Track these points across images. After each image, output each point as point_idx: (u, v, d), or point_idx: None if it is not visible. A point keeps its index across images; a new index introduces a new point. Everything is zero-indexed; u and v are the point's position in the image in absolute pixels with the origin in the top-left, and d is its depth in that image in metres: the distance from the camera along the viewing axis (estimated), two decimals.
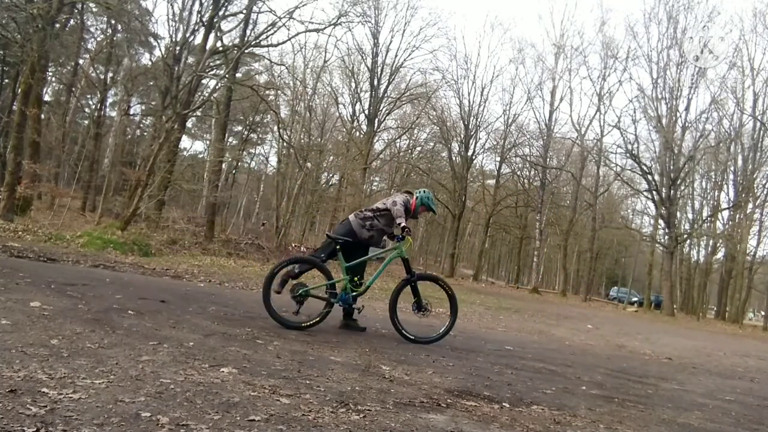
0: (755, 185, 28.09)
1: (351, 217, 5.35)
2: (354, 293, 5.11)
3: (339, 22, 19.83)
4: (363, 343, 4.64)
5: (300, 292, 4.96)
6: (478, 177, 37.31)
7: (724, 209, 30.41)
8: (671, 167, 26.85)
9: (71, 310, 4.12)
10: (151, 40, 22.72)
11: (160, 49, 20.11)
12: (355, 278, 5.11)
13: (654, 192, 27.95)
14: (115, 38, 22.73)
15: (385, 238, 5.45)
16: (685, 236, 29.68)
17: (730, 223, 29.64)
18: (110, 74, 24.52)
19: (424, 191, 5.42)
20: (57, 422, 1.91)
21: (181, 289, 6.94)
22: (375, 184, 33.59)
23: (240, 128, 32.18)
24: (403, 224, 5.02)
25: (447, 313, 5.29)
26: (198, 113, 23.09)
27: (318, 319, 4.90)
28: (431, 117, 30.67)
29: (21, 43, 14.94)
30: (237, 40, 20.18)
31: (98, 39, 24.59)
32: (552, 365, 5.06)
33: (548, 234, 36.60)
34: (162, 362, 2.98)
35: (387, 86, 28.52)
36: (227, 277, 10.24)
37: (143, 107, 29.88)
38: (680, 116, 27.93)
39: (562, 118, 41.84)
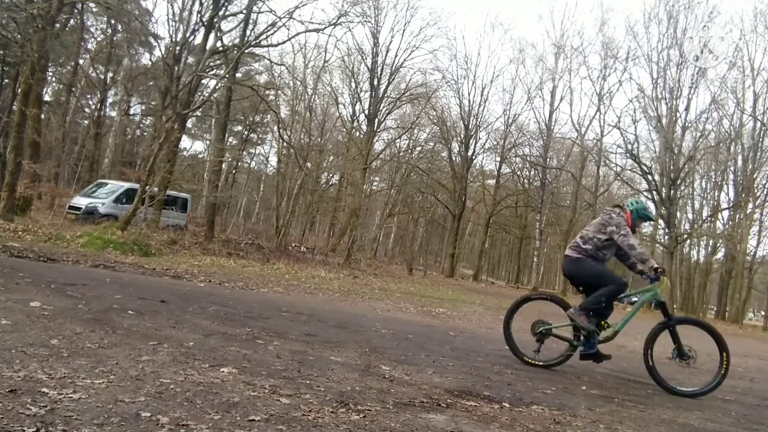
0: (755, 185, 28.08)
1: (576, 254, 4.72)
2: (600, 338, 4.68)
3: (339, 22, 19.82)
4: (363, 343, 4.64)
5: (541, 330, 4.75)
6: (478, 177, 37.31)
7: (724, 209, 30.41)
8: (671, 167, 26.84)
9: (71, 310, 4.12)
10: (151, 40, 22.76)
11: (160, 49, 20.14)
12: (602, 322, 4.67)
13: (654, 192, 27.93)
14: (115, 38, 22.76)
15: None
16: (685, 236, 29.66)
17: (730, 223, 29.62)
18: (110, 74, 24.55)
19: (636, 201, 4.88)
20: (57, 422, 1.91)
21: (181, 289, 6.94)
22: (375, 184, 33.58)
23: (240, 128, 32.20)
24: (655, 265, 4.48)
25: (716, 364, 4.53)
26: (198, 113, 23.09)
27: (560, 359, 4.75)
28: (431, 117, 30.67)
29: (21, 43, 14.94)
30: (237, 40, 20.17)
31: (98, 39, 24.62)
32: None
33: (548, 234, 36.59)
34: (162, 362, 2.98)
35: (387, 86, 28.50)
36: (227, 277, 10.24)
37: (143, 107, 29.91)
38: (680, 116, 27.91)
39: (562, 118, 41.85)
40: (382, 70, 28.10)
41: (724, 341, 4.44)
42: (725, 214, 30.59)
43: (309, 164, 23.96)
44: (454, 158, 32.45)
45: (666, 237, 28.04)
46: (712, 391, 4.41)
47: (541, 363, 4.64)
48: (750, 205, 28.40)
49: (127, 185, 17.95)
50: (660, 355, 4.60)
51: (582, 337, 4.63)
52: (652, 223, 5.09)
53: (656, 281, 4.54)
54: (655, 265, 4.45)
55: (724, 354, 4.40)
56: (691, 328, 4.72)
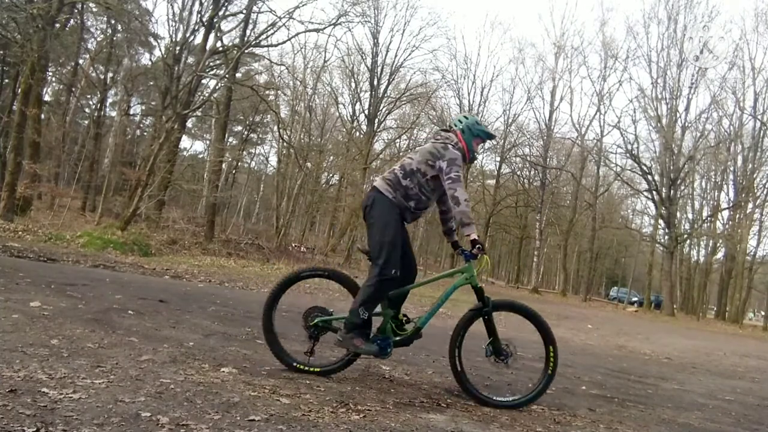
0: (755, 185, 28.07)
1: (379, 183, 3.34)
2: (398, 338, 3.27)
3: (339, 22, 19.87)
4: None
5: (317, 321, 3.31)
6: (478, 177, 37.29)
7: (724, 209, 30.41)
8: (671, 167, 26.84)
9: (71, 310, 4.12)
10: (151, 40, 22.73)
11: (160, 49, 20.14)
12: (400, 315, 3.34)
13: (654, 192, 27.95)
14: (115, 38, 22.73)
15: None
16: (685, 236, 29.68)
17: (730, 223, 29.63)
18: (110, 74, 24.52)
19: (465, 117, 3.48)
20: (57, 422, 1.91)
21: (181, 289, 6.94)
22: None
23: (240, 128, 32.21)
24: (475, 237, 3.18)
25: (539, 359, 3.64)
26: (198, 113, 23.10)
27: (340, 363, 3.32)
28: (431, 117, 30.66)
29: (21, 43, 14.95)
30: (237, 40, 20.19)
31: (98, 39, 24.59)
32: None
33: (548, 234, 36.57)
34: (162, 362, 2.98)
35: (387, 86, 28.50)
36: (227, 277, 10.24)
37: (143, 107, 29.89)
38: (680, 116, 27.92)
39: (562, 118, 41.78)
40: (381, 70, 28.09)
41: (549, 331, 3.38)
42: (725, 214, 30.61)
43: (309, 164, 23.97)
44: None
45: (666, 237, 28.04)
46: (536, 398, 3.30)
47: (316, 369, 3.26)
48: (750, 205, 28.40)
49: None
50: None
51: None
52: (493, 138, 3.92)
53: (474, 259, 3.30)
54: (475, 237, 3.17)
55: (550, 349, 3.34)
56: (511, 315, 3.54)
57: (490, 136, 3.55)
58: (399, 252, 3.18)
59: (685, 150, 27.73)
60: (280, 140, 23.92)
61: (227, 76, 18.66)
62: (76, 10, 19.42)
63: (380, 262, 3.11)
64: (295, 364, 3.27)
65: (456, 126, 3.44)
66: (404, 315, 3.36)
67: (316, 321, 3.30)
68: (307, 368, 3.26)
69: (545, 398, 3.51)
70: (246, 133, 30.94)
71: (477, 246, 3.19)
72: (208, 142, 32.79)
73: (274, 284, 3.38)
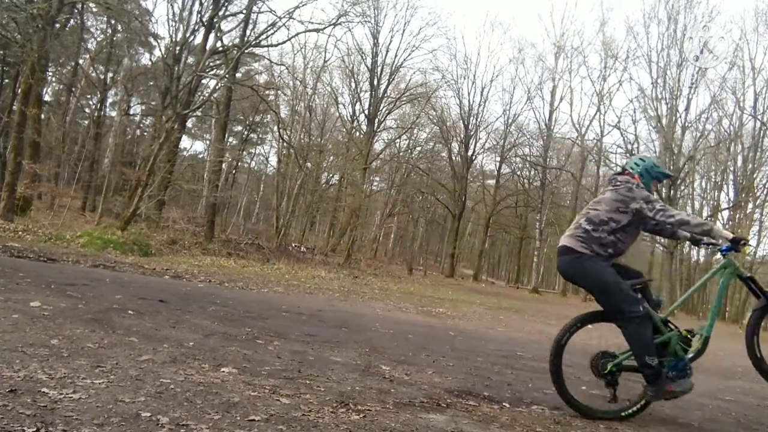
0: (755, 185, 28.08)
1: (569, 241, 3.33)
2: (691, 355, 3.26)
3: (339, 22, 19.88)
4: (363, 343, 4.63)
5: (610, 367, 3.23)
6: (478, 177, 37.29)
7: (724, 209, 30.42)
8: (671, 167, 26.84)
9: (71, 310, 4.12)
10: (151, 40, 22.73)
11: (160, 49, 20.15)
12: (683, 332, 3.29)
13: (654, 192, 27.95)
14: (115, 38, 22.73)
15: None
16: None
17: (730, 223, 29.64)
18: (110, 74, 24.52)
19: (642, 159, 3.47)
20: (57, 422, 1.91)
21: (181, 289, 6.94)
22: (375, 184, 33.60)
23: (240, 128, 32.22)
24: (731, 235, 3.13)
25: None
26: (198, 113, 23.10)
27: (639, 405, 3.24)
28: (431, 117, 30.68)
29: (21, 43, 14.95)
30: (237, 40, 20.19)
31: (98, 39, 24.60)
32: None
33: (548, 234, 36.58)
34: (162, 362, 2.98)
35: (387, 86, 28.52)
36: (227, 277, 10.24)
37: (143, 107, 29.89)
38: (680, 116, 27.92)
39: (562, 118, 41.73)
40: (381, 70, 28.12)
41: None
42: (725, 214, 30.60)
43: (309, 164, 23.96)
44: (454, 158, 32.45)
45: None
46: None
47: (624, 413, 3.21)
48: (750, 205, 28.41)
49: None
50: None
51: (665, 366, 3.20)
52: (669, 177, 4.02)
53: (731, 252, 3.21)
54: (731, 235, 3.11)
55: None
56: None
57: (669, 176, 3.52)
58: (629, 289, 3.18)
59: (685, 150, 27.74)
60: (280, 140, 23.92)
61: (227, 76, 18.66)
62: (76, 10, 19.41)
63: (622, 308, 3.14)
64: (596, 412, 3.19)
65: (633, 169, 3.42)
66: (687, 330, 3.30)
67: (609, 367, 3.24)
68: (610, 415, 3.19)
69: (545, 398, 3.51)
70: (246, 133, 30.95)
71: (741, 242, 3.11)
72: (208, 142, 32.80)
73: (557, 333, 3.42)
